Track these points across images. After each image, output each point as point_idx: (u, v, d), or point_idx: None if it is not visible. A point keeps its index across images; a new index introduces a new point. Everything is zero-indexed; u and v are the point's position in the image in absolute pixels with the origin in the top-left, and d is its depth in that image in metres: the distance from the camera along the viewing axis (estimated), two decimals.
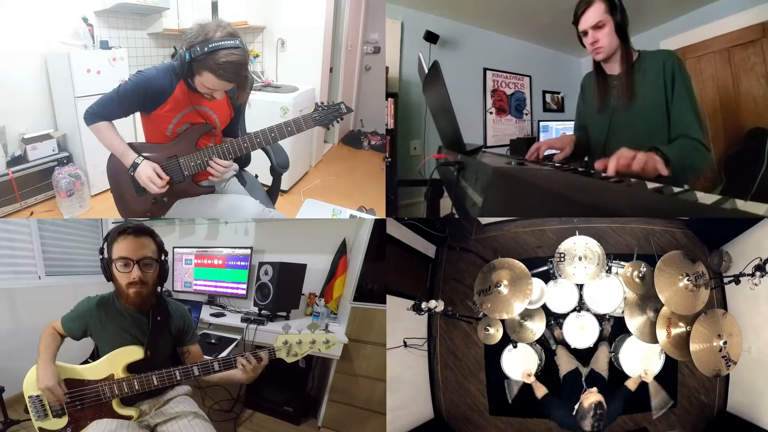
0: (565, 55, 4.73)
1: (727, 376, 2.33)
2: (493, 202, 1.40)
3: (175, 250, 3.36)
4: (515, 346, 2.38)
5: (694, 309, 2.01)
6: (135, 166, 1.84)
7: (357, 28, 5.20)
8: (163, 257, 1.63)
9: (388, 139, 3.54)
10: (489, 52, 4.31)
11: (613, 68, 1.94)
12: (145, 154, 1.86)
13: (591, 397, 1.91)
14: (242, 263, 3.08)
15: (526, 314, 2.34)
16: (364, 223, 2.72)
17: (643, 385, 2.16)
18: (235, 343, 2.51)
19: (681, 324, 2.07)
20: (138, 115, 1.91)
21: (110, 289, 1.63)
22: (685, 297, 2.01)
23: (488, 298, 2.24)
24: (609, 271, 2.28)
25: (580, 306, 2.31)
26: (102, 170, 2.00)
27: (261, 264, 2.72)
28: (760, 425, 2.05)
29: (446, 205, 2.33)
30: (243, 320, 2.65)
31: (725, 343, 1.99)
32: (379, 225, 2.62)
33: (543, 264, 2.37)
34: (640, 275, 2.17)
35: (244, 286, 3.04)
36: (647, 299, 2.18)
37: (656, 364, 2.20)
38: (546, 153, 2.18)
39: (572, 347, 2.30)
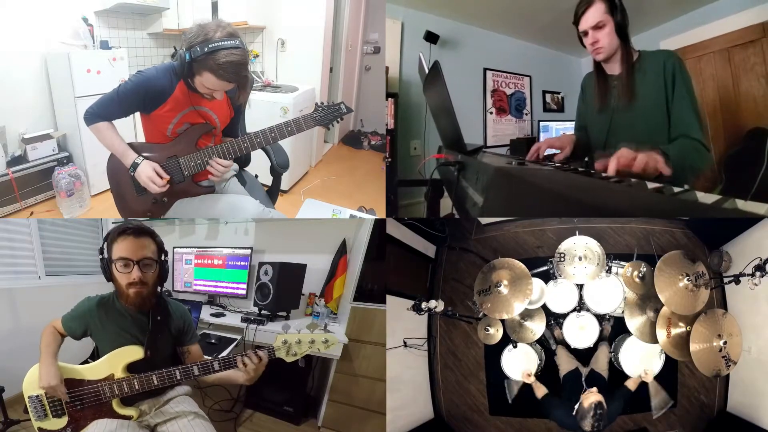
0: (565, 55, 4.73)
1: (727, 376, 2.33)
2: (494, 202, 1.40)
3: (175, 250, 3.36)
4: (515, 346, 2.38)
5: (694, 309, 2.01)
6: (135, 166, 1.84)
7: (357, 28, 5.20)
8: (163, 257, 1.63)
9: (388, 139, 3.54)
10: (489, 52, 4.31)
11: (614, 68, 1.94)
12: (145, 154, 1.86)
13: (591, 397, 1.90)
14: (242, 263, 3.08)
15: (526, 314, 2.34)
16: (364, 223, 2.72)
17: (643, 385, 2.16)
18: (235, 343, 2.51)
19: (681, 324, 2.07)
20: (138, 115, 1.91)
21: (110, 289, 1.63)
22: (685, 297, 2.01)
23: (488, 298, 2.24)
24: (609, 271, 2.28)
25: (580, 306, 2.31)
26: (102, 170, 2.00)
27: (261, 264, 2.72)
28: (760, 425, 2.05)
29: (446, 205, 2.33)
30: (243, 320, 2.65)
31: (725, 343, 1.99)
32: (379, 225, 2.62)
33: (543, 264, 2.37)
34: (640, 275, 2.17)
35: (244, 286, 3.04)
36: (647, 299, 2.18)
37: (656, 364, 2.20)
38: (546, 153, 2.18)
39: (572, 347, 2.30)
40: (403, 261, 2.58)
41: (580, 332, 2.29)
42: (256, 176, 2.39)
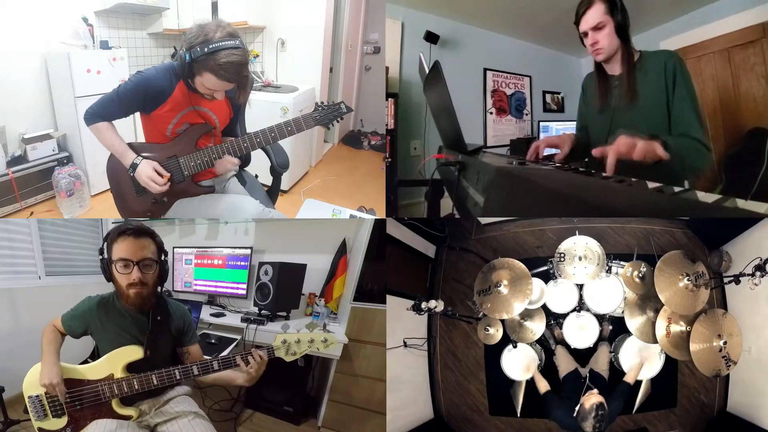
0: (565, 55, 4.73)
1: (727, 376, 2.33)
2: (495, 202, 1.40)
3: (175, 250, 3.36)
4: (515, 346, 2.38)
5: (694, 309, 2.01)
6: (134, 166, 1.84)
7: (357, 28, 5.20)
8: (163, 258, 1.63)
9: (388, 139, 3.54)
10: (489, 52, 4.31)
11: (614, 68, 1.94)
12: (144, 154, 1.86)
13: (592, 398, 1.90)
14: (242, 263, 3.08)
15: (526, 314, 2.34)
16: (364, 223, 2.71)
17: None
18: (235, 343, 2.51)
19: (681, 324, 2.07)
20: (138, 115, 1.91)
21: (110, 289, 1.63)
22: (685, 297, 2.01)
23: (488, 298, 2.24)
24: (609, 271, 2.28)
25: (580, 306, 2.31)
26: (102, 170, 2.00)
27: (261, 264, 2.72)
28: (760, 425, 2.05)
29: (446, 205, 2.33)
30: (243, 320, 2.65)
31: (725, 343, 1.99)
32: (379, 225, 2.62)
33: (543, 264, 2.37)
34: (640, 275, 2.17)
35: (244, 286, 3.04)
36: (647, 299, 2.18)
37: (656, 364, 2.20)
38: (546, 153, 2.18)
39: (572, 347, 2.30)
40: (403, 261, 2.58)
41: (580, 332, 2.29)
42: (256, 176, 2.39)
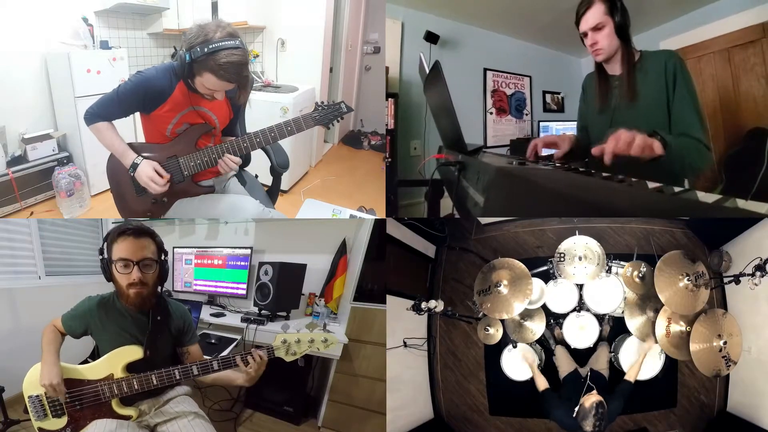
0: (565, 55, 4.73)
1: (727, 376, 2.33)
2: (495, 202, 1.40)
3: (175, 250, 3.36)
4: (515, 346, 2.38)
5: (694, 309, 2.01)
6: (135, 166, 1.84)
7: (357, 28, 5.20)
8: (163, 257, 1.63)
9: (388, 139, 3.54)
10: (489, 52, 4.31)
11: (615, 68, 1.94)
12: (144, 154, 1.86)
13: (592, 397, 1.90)
14: (242, 263, 3.08)
15: (526, 314, 2.34)
16: (364, 223, 2.71)
17: (643, 385, 2.16)
18: (235, 343, 2.51)
19: (681, 324, 2.07)
20: (138, 115, 1.91)
21: (110, 288, 1.63)
22: (685, 297, 2.01)
23: (488, 298, 2.24)
24: (609, 271, 2.28)
25: (580, 306, 2.31)
26: (102, 170, 2.00)
27: (261, 264, 2.72)
28: (760, 425, 2.05)
29: (446, 205, 2.33)
30: (243, 320, 2.65)
31: (725, 343, 1.99)
32: (379, 225, 2.62)
33: (543, 264, 2.37)
34: (640, 275, 2.17)
35: (244, 286, 3.04)
36: (647, 299, 2.18)
37: (656, 364, 2.20)
38: (546, 152, 2.18)
39: (572, 347, 2.30)
40: (403, 261, 2.58)
41: (580, 332, 2.29)
42: (256, 176, 2.39)
